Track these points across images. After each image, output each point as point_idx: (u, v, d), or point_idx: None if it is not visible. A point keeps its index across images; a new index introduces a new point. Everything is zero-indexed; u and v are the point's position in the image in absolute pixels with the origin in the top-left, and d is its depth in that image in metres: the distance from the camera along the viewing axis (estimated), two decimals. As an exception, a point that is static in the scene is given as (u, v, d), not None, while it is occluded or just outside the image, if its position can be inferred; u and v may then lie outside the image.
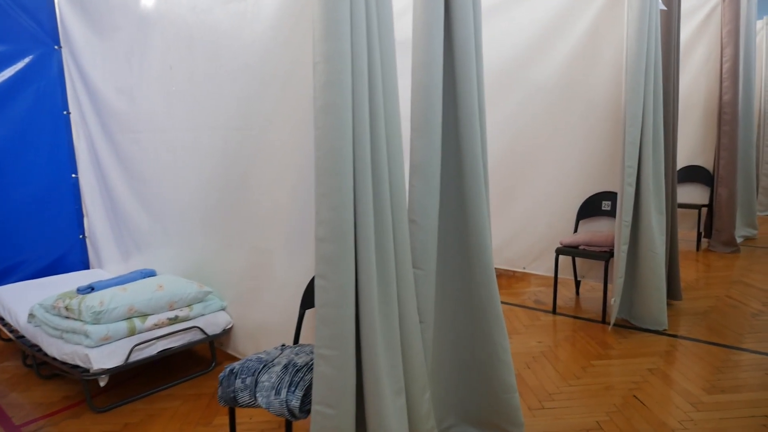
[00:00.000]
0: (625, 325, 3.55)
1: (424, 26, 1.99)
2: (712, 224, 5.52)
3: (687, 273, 4.73)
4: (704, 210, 5.65)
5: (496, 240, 4.65)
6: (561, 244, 3.87)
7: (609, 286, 3.63)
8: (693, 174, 5.74)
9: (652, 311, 3.43)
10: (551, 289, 4.34)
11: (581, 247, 3.75)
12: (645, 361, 3.02)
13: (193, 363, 3.19)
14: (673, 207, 3.76)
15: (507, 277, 4.77)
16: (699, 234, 5.59)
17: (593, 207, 3.99)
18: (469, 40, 2.02)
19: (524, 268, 4.51)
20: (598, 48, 3.83)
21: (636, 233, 3.46)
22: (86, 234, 4.47)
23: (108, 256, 4.23)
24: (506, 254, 4.62)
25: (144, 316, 2.82)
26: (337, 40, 1.65)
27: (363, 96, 1.71)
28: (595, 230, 3.94)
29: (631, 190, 3.34)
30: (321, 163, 1.69)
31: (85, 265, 4.53)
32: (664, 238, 3.46)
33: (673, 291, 3.84)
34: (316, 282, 1.75)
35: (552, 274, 4.14)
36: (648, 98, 3.30)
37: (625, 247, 3.37)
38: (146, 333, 2.81)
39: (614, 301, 3.42)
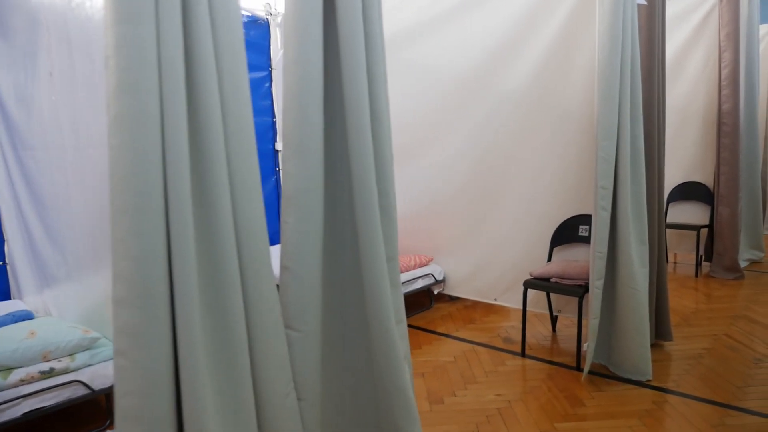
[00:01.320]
0: (602, 374, 3.01)
1: (295, 12, 1.51)
2: (712, 247, 4.97)
3: (683, 303, 4.17)
4: (704, 231, 5.09)
5: (465, 268, 4.15)
6: (531, 275, 3.34)
7: (585, 323, 3.10)
8: (691, 191, 5.19)
9: (633, 358, 2.89)
10: (527, 324, 3.81)
11: (553, 280, 3.22)
12: (620, 424, 2.48)
13: (88, 420, 2.70)
14: (660, 234, 3.23)
15: (478, 309, 4.24)
16: (698, 258, 5.03)
17: (569, 232, 3.47)
18: (356, 30, 1.53)
19: (495, 300, 3.98)
20: (571, 51, 3.34)
21: (613, 266, 2.93)
22: (6, 260, 4.03)
23: (27, 286, 3.78)
24: (476, 284, 4.11)
25: (7, 369, 2.34)
26: (134, 22, 1.17)
27: (177, 101, 1.23)
28: (570, 259, 3.42)
29: (606, 215, 2.83)
30: (116, 198, 1.21)
31: (5, 295, 4.09)
32: (646, 271, 2.93)
33: (661, 330, 3.30)
34: (114, 362, 1.25)
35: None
36: (624, 106, 2.79)
37: (599, 283, 2.85)
38: (10, 390, 2.33)
39: (588, 346, 2.89)
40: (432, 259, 4.29)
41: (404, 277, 3.98)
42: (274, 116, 5.46)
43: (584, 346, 2.93)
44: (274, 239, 5.47)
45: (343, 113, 1.58)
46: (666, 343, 3.35)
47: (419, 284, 4.08)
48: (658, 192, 3.23)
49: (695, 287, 4.64)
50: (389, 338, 1.60)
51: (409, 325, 3.90)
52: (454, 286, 4.26)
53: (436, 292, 4.28)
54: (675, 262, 5.61)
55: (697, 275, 4.98)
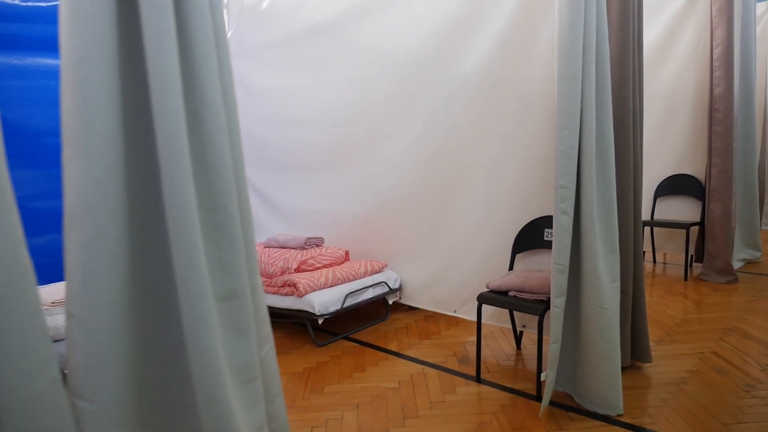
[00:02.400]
0: (566, 405, 2.56)
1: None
2: (704, 247, 4.50)
3: (668, 313, 3.72)
4: (695, 229, 4.63)
5: (423, 275, 3.70)
6: (487, 287, 2.89)
7: (547, 342, 2.65)
8: (681, 185, 4.72)
9: (601, 389, 2.44)
10: (489, 341, 3.37)
11: (511, 293, 2.77)
12: (578, 478, 2.04)
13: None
14: (635, 239, 2.76)
15: (439, 321, 3.78)
16: (688, 259, 4.56)
17: (534, 236, 3.01)
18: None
19: (455, 312, 3.53)
20: (533, 27, 2.86)
21: (577, 281, 2.48)
22: None
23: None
24: (434, 293, 3.66)
25: None
26: None
27: None
28: (533, 268, 2.96)
29: (568, 221, 2.36)
30: None
31: None
32: (617, 285, 2.47)
33: (638, 350, 2.85)
34: None
35: (487, 321, 3.19)
36: (588, 89, 2.32)
37: (560, 301, 2.39)
38: None
39: (546, 375, 2.44)
40: (386, 265, 3.83)
41: (352, 286, 3.53)
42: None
43: (543, 375, 2.47)
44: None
45: (147, 96, 1.12)
46: (644, 365, 2.90)
47: (370, 294, 3.63)
48: (635, 189, 2.77)
49: (683, 293, 4.19)
50: (221, 409, 1.14)
51: (358, 341, 3.45)
52: (411, 295, 3.81)
53: (391, 302, 3.83)
54: (665, 263, 5.15)
55: (686, 278, 4.52)
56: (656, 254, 5.13)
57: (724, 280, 4.31)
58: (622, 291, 2.70)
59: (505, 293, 2.81)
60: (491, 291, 2.86)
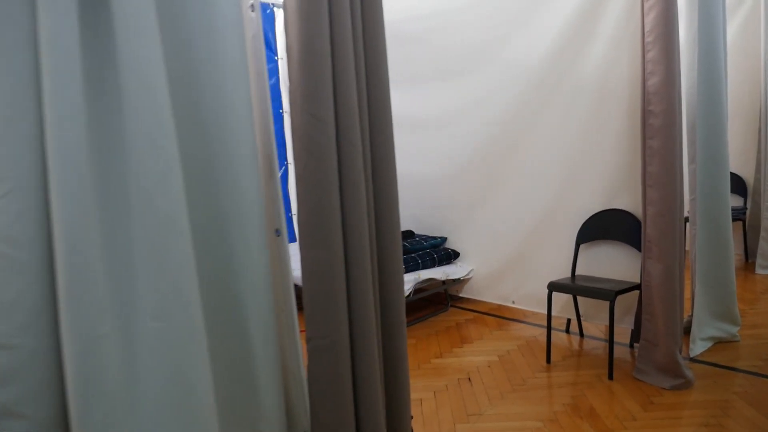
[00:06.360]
0: None
1: None
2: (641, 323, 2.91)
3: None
4: (630, 296, 3.04)
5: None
6: None
7: None
8: (613, 226, 3.15)
9: None
10: None
11: None
12: None
13: None
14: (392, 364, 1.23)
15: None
16: (612, 346, 2.95)
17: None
18: None
19: None
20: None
21: None
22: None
23: None
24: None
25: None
26: None
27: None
28: None
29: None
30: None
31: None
32: None
33: None
34: None
35: None
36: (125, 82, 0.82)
37: None
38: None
39: None
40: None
41: None
42: None
43: None
44: None
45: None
46: None
47: None
48: (355, 270, 1.24)
49: (593, 411, 2.58)
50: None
51: None
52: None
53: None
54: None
55: (611, 376, 2.91)
56: (583, 326, 3.53)
57: (667, 385, 2.71)
58: None
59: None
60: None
